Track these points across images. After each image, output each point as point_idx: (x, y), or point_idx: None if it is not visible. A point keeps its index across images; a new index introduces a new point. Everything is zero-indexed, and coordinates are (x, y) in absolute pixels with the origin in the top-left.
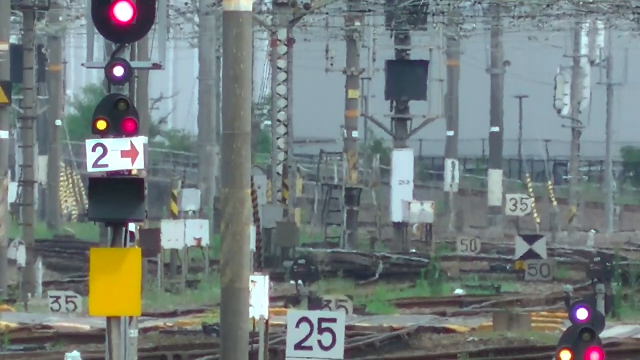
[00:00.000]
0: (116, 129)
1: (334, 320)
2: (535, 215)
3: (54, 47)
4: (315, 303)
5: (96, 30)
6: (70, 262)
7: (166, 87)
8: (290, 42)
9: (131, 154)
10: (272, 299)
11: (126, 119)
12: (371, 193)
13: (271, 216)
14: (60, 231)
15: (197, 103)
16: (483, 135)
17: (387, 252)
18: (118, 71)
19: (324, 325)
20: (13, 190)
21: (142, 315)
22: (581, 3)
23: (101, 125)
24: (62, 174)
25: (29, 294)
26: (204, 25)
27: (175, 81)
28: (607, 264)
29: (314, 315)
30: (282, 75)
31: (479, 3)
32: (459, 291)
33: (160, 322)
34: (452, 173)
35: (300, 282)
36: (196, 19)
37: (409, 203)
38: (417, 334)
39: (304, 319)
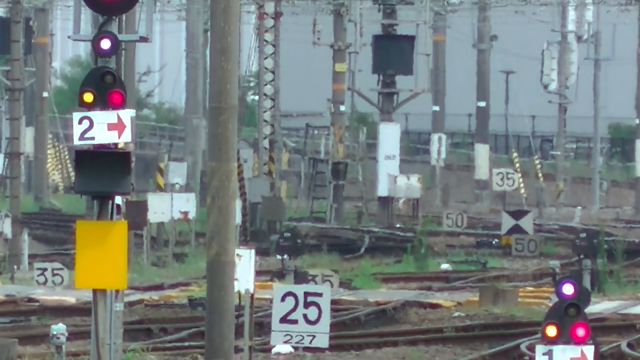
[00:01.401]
0: (103, 102)
1: (319, 294)
2: (522, 190)
3: (41, 19)
4: (301, 277)
5: (83, 3)
6: (57, 234)
7: (153, 60)
8: (277, 15)
9: (118, 127)
10: (258, 273)
11: (113, 91)
12: (357, 167)
13: (257, 190)
14: (46, 204)
15: (184, 76)
16: (470, 110)
17: (373, 227)
18: (105, 44)
19: (310, 299)
20: (0, 163)
21: (128, 288)
22: None
23: (88, 98)
24: (49, 146)
25: (15, 267)
26: None
27: (162, 54)
28: (594, 240)
29: (300, 289)
30: (269, 49)
31: None
32: (445, 266)
33: (146, 296)
34: (438, 147)
35: (286, 256)
36: None
37: (396, 177)
38: (403, 308)
39: (289, 293)
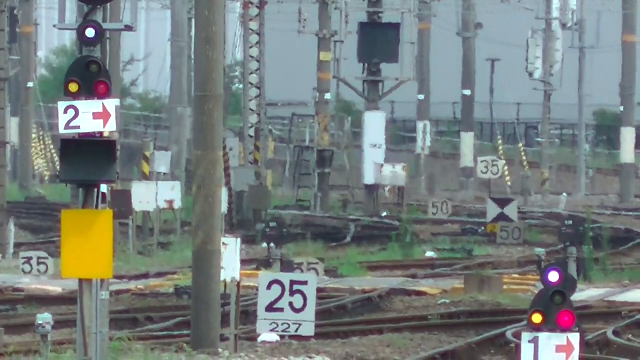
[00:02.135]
0: (88, 91)
1: (305, 282)
2: (507, 178)
3: (26, 8)
4: (286, 265)
5: None
6: (42, 223)
7: (138, 48)
8: (262, 4)
9: (103, 115)
10: (244, 262)
11: (98, 81)
12: (343, 155)
13: (243, 179)
14: (31, 192)
15: (168, 65)
16: (454, 98)
17: (358, 215)
18: (90, 33)
19: (295, 287)
20: None
21: (114, 277)
22: None
23: (73, 87)
24: (33, 135)
25: (0, 255)
26: None
27: (146, 43)
28: (579, 227)
29: (286, 277)
30: (254, 38)
31: None
32: (430, 254)
33: (131, 284)
34: (423, 135)
35: (271, 244)
36: None
37: (381, 165)
38: (389, 296)
39: (275, 281)
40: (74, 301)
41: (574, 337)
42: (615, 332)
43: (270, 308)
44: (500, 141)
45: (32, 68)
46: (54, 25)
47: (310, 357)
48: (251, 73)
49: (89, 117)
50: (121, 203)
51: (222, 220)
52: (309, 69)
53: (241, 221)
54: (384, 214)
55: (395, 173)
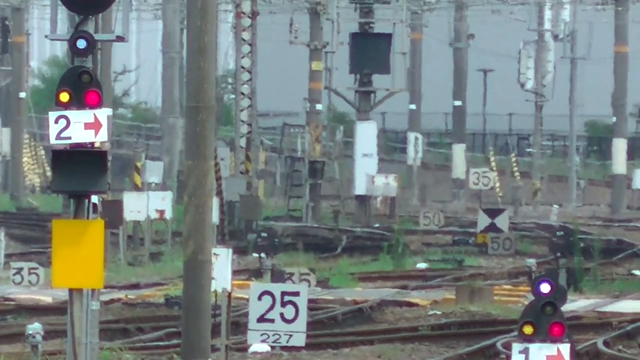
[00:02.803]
0: (79, 102)
1: (296, 293)
2: (498, 189)
3: (17, 18)
4: (278, 276)
5: (60, 2)
6: (33, 233)
7: (130, 59)
8: (254, 14)
9: (94, 126)
10: (235, 272)
11: (89, 91)
12: (334, 166)
13: (234, 189)
14: (23, 203)
15: (160, 76)
16: (446, 109)
17: (350, 226)
18: (81, 43)
19: (287, 298)
20: None
21: (105, 287)
22: None
23: (64, 97)
24: (25, 146)
25: None
26: None
27: (138, 53)
28: (570, 238)
29: (277, 288)
30: (246, 48)
31: None
32: (421, 265)
33: (122, 295)
34: (415, 147)
35: (263, 255)
36: None
37: (373, 176)
38: (380, 307)
39: (266, 292)
40: (65, 311)
41: (565, 348)
42: (605, 343)
43: (261, 319)
44: (492, 153)
45: (24, 78)
46: (46, 36)
47: None
48: (243, 84)
49: (81, 127)
50: (112, 213)
51: (214, 231)
52: (301, 80)
53: (233, 232)
54: (376, 225)
55: (387, 184)
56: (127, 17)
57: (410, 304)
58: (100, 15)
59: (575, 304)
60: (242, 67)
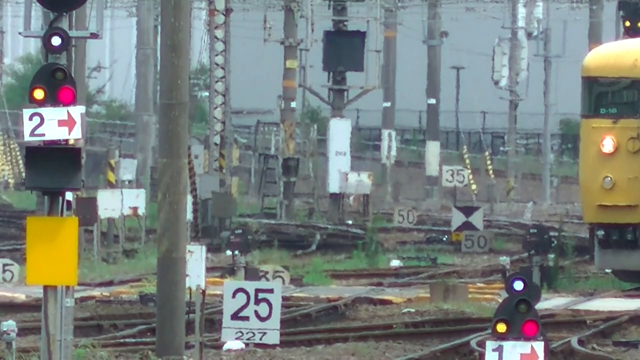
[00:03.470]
0: (53, 99)
1: (270, 291)
2: (473, 187)
3: None
4: (252, 274)
5: None
6: (7, 230)
7: (104, 56)
8: (228, 12)
9: (68, 123)
10: (209, 270)
11: (63, 88)
12: (308, 164)
13: (208, 186)
14: None
15: (134, 73)
16: (420, 106)
17: (324, 223)
18: (55, 40)
19: (261, 296)
20: None
21: (79, 284)
22: None
23: (38, 94)
24: None
25: None
26: None
27: (112, 50)
28: (544, 236)
29: (251, 286)
30: (219, 46)
31: None
32: (395, 263)
33: (96, 292)
34: (389, 144)
35: (236, 252)
36: None
37: (346, 174)
38: (354, 305)
39: (240, 290)
40: (39, 308)
41: (539, 346)
42: (579, 341)
43: (235, 316)
44: (465, 150)
45: None
46: (20, 33)
47: None
48: (217, 81)
49: (54, 124)
50: (87, 210)
51: (188, 228)
52: (275, 77)
53: (206, 229)
54: (349, 222)
55: (360, 182)
56: (101, 14)
57: (384, 302)
58: (74, 12)
59: (550, 302)
60: (216, 64)
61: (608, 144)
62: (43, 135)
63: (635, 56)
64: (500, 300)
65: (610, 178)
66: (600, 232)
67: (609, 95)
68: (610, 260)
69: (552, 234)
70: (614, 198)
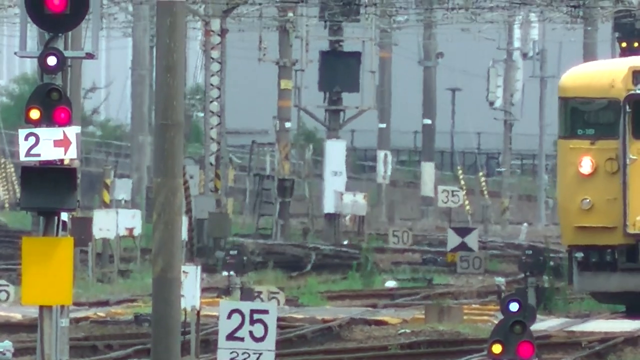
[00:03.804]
0: (49, 119)
1: (266, 311)
2: (468, 207)
3: None
4: (247, 294)
5: (29, 19)
6: (2, 250)
7: (99, 76)
8: (223, 32)
9: (64, 143)
10: (204, 290)
11: (59, 108)
12: (304, 184)
13: (203, 206)
14: None
15: (129, 93)
16: (416, 127)
17: (319, 244)
18: (51, 61)
19: (256, 316)
20: None
21: (74, 304)
22: None
23: (34, 114)
24: None
25: None
26: (138, 15)
27: (108, 71)
28: (539, 257)
29: (246, 306)
30: (215, 66)
31: None
32: (390, 283)
33: (91, 312)
34: (384, 165)
35: (232, 273)
36: (130, 9)
37: (342, 194)
38: (349, 326)
39: (235, 310)
40: (35, 328)
41: None
42: None
43: (230, 337)
44: (460, 171)
45: None
46: (15, 53)
47: None
48: (212, 101)
49: (50, 144)
50: (82, 231)
51: (183, 248)
52: (270, 98)
53: (202, 249)
54: (345, 242)
55: (356, 202)
56: (96, 35)
57: (379, 323)
58: (70, 32)
59: (545, 323)
60: (212, 85)
61: (586, 165)
62: (39, 155)
63: (612, 76)
64: (496, 322)
65: (589, 199)
66: (579, 255)
67: (587, 116)
68: (589, 282)
69: (551, 254)
70: (592, 219)
